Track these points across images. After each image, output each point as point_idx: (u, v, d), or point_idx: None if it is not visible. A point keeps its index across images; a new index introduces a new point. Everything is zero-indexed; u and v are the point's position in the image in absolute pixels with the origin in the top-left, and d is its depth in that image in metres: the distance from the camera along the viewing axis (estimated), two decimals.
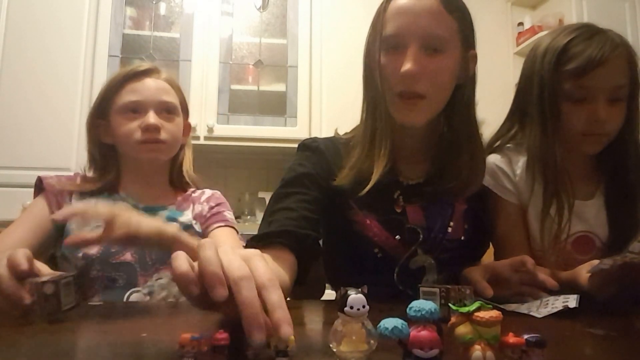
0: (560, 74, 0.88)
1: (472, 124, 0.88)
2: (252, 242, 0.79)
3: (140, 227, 0.78)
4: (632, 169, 0.91)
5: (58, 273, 0.67)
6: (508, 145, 1.00)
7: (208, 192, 1.14)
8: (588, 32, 0.89)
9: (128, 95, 1.01)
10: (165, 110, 1.02)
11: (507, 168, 0.96)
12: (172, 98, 1.04)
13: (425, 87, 0.79)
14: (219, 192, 1.16)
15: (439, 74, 0.80)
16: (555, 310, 0.66)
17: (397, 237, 0.87)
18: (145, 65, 1.04)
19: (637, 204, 0.92)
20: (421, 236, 0.87)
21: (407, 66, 0.77)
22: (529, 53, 0.97)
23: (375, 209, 0.87)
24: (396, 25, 0.80)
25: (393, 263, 0.87)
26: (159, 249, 0.86)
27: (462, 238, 0.90)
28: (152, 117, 0.99)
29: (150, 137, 0.99)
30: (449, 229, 0.89)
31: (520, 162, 0.95)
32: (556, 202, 0.89)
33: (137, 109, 1.00)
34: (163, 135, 1.00)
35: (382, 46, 0.82)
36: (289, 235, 0.77)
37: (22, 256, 0.62)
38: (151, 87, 1.02)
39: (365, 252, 0.88)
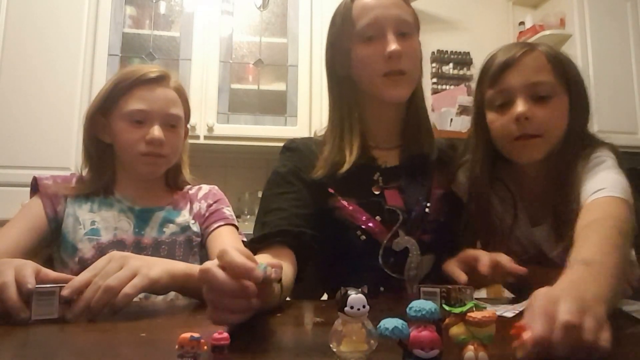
0: (482, 88, 0.90)
1: (424, 102, 1.00)
2: (251, 244, 0.83)
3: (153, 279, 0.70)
4: (566, 187, 0.84)
5: (63, 275, 0.67)
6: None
7: (205, 187, 1.14)
8: (510, 45, 0.92)
9: (136, 103, 0.98)
10: (170, 122, 1.01)
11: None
12: (178, 110, 1.03)
13: (407, 65, 0.89)
14: (216, 187, 1.15)
15: (414, 53, 0.93)
16: (524, 305, 0.67)
17: (378, 217, 0.90)
18: (156, 70, 1.01)
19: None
20: (400, 217, 0.90)
21: (393, 47, 0.87)
22: None
23: (354, 194, 0.91)
24: (370, 17, 0.89)
25: (377, 246, 0.90)
26: (177, 290, 0.80)
27: (442, 219, 0.93)
28: (157, 131, 0.98)
29: (153, 150, 0.98)
30: (427, 210, 0.92)
31: None
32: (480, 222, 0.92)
33: (143, 119, 0.98)
34: (165, 149, 1.00)
35: (356, 39, 0.91)
36: (286, 234, 0.82)
37: (30, 274, 0.63)
38: (160, 98, 1.00)
39: (349, 236, 0.90)
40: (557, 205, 0.86)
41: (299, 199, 0.88)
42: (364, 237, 0.90)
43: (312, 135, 1.05)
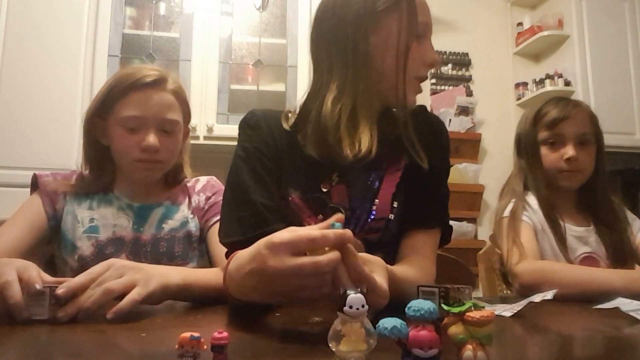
0: (537, 127, 1.21)
1: None
2: (235, 249, 0.76)
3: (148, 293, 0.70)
4: (605, 204, 1.19)
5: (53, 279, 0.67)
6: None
7: (203, 179, 1.12)
8: (556, 99, 1.24)
9: (131, 108, 0.97)
10: (166, 128, 0.99)
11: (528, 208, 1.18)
12: (175, 115, 1.01)
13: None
14: (214, 178, 1.14)
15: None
16: (523, 305, 0.71)
17: (320, 216, 0.85)
18: (153, 74, 0.99)
19: (620, 231, 1.17)
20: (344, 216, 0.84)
21: (435, 56, 0.89)
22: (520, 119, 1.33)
23: (301, 186, 0.86)
24: (423, 15, 0.87)
25: None
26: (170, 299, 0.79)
27: (391, 217, 0.87)
28: (152, 138, 0.96)
29: (148, 157, 0.98)
30: (374, 207, 0.86)
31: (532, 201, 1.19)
32: (554, 226, 1.13)
33: (138, 125, 0.97)
34: (161, 155, 0.99)
35: (413, 32, 0.85)
36: (264, 235, 0.77)
37: (36, 275, 0.63)
38: (156, 103, 0.98)
39: None
40: (595, 212, 1.19)
41: (266, 188, 0.84)
42: None
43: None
